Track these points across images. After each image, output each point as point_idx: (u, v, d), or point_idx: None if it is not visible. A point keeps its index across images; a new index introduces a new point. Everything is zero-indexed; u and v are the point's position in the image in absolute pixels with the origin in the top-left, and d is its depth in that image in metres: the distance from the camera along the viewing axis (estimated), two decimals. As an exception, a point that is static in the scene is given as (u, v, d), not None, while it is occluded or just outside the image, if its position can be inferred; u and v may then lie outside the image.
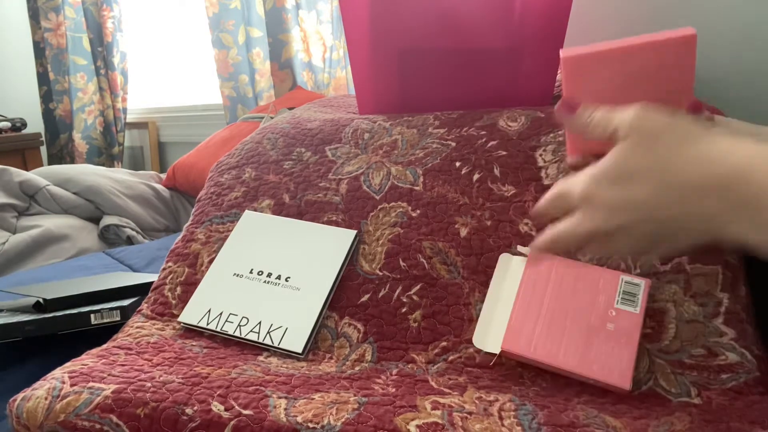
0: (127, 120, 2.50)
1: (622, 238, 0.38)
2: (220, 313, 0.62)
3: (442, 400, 0.47)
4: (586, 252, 0.41)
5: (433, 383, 0.51)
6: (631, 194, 0.36)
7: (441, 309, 0.59)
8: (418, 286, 0.61)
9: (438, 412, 0.44)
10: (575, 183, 0.40)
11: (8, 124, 2.37)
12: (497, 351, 0.54)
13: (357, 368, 0.56)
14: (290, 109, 1.37)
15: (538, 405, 0.46)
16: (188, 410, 0.45)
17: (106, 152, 2.52)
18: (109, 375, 0.50)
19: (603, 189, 0.37)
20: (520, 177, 0.65)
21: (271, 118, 1.31)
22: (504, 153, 0.68)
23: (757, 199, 0.30)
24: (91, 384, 0.48)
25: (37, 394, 0.47)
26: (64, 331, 0.64)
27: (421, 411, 0.45)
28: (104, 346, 0.58)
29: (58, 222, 1.44)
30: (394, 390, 0.49)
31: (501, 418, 0.44)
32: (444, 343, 0.57)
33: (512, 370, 0.54)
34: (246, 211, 0.72)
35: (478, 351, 0.55)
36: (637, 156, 0.36)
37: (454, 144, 0.72)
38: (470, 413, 0.44)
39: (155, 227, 1.63)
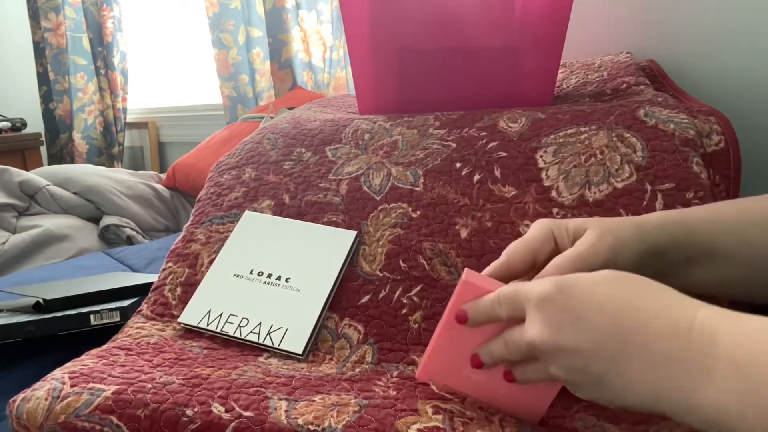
0: (127, 120, 2.50)
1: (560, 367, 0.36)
2: (221, 314, 0.62)
3: (443, 405, 0.47)
4: (524, 372, 0.40)
5: (434, 387, 0.51)
6: (581, 342, 0.34)
7: (441, 310, 0.59)
8: (418, 288, 0.61)
9: (439, 417, 0.44)
10: (532, 287, 0.37)
11: (8, 124, 2.37)
12: None
13: (357, 370, 0.55)
14: (290, 109, 1.37)
15: (538, 407, 0.46)
16: (189, 412, 0.45)
17: (106, 152, 2.52)
18: (109, 376, 0.50)
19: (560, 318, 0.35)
20: (520, 178, 0.65)
21: (271, 118, 1.30)
22: (504, 154, 0.68)
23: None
24: (91, 385, 0.48)
25: (37, 395, 0.47)
26: (63, 332, 0.64)
27: (422, 415, 0.45)
28: (104, 346, 0.58)
29: (58, 222, 1.44)
30: (395, 393, 0.49)
31: (502, 427, 0.44)
32: (444, 345, 0.57)
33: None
34: (246, 211, 0.72)
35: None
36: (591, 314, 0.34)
37: (454, 145, 0.71)
38: (471, 419, 0.44)
39: (155, 227, 1.63)
